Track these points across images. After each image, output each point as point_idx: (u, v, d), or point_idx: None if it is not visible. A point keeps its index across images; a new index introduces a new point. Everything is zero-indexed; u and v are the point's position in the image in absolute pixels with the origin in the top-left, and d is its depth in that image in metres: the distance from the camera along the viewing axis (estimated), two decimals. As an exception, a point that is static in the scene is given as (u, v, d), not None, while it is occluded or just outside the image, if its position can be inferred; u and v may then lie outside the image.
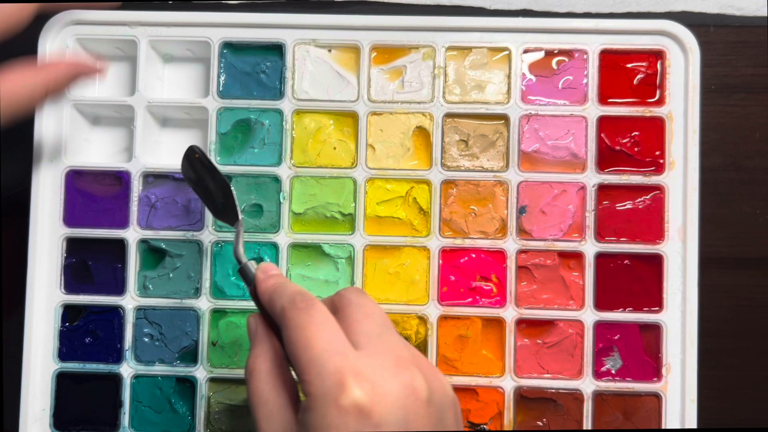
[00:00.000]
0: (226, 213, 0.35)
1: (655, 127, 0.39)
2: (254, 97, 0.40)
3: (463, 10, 0.41)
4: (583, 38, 0.40)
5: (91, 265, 0.40)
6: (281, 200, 0.40)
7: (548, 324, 0.39)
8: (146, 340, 0.39)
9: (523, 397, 0.39)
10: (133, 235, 0.40)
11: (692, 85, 0.39)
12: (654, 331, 0.39)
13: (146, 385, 0.39)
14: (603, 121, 0.39)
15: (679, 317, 0.38)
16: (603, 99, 0.40)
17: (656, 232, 0.39)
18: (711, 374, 0.39)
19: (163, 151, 0.42)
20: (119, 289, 0.39)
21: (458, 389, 0.38)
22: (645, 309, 0.39)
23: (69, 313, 0.40)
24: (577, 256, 0.39)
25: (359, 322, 0.28)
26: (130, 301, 0.39)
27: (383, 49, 0.40)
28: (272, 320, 0.30)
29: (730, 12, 0.41)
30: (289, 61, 0.40)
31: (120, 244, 0.40)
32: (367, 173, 0.40)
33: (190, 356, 0.39)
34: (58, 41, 0.40)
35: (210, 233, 0.39)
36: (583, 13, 0.41)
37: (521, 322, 0.39)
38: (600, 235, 0.39)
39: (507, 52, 0.40)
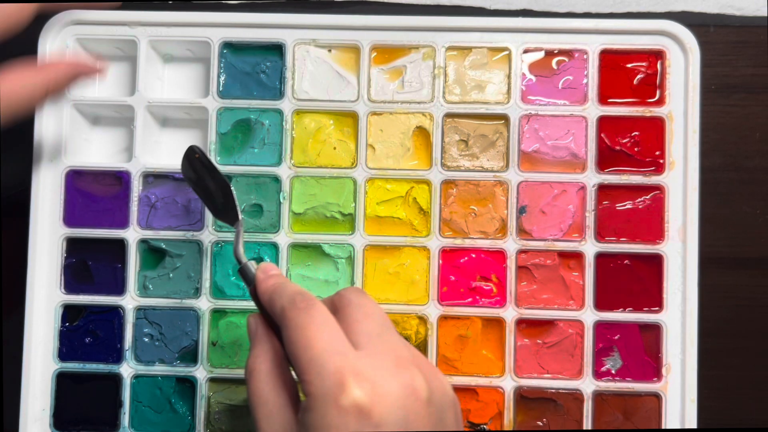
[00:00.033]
0: (226, 213, 0.35)
1: (655, 127, 0.39)
2: (254, 97, 0.40)
3: (463, 10, 0.41)
4: (583, 38, 0.40)
5: (91, 265, 0.40)
6: (281, 200, 0.40)
7: (548, 324, 0.39)
8: (146, 340, 0.39)
9: (523, 397, 0.39)
10: (133, 235, 0.40)
11: (692, 85, 0.39)
12: (654, 331, 0.39)
13: (146, 385, 0.39)
14: (603, 121, 0.39)
15: (679, 317, 0.38)
16: (603, 99, 0.40)
17: (656, 232, 0.39)
18: (711, 374, 0.39)
19: (163, 151, 0.42)
20: (119, 289, 0.39)
21: (458, 389, 0.38)
22: (645, 309, 0.39)
23: (69, 313, 0.40)
24: (577, 256, 0.39)
25: (359, 322, 0.28)
26: (130, 301, 0.39)
27: (383, 49, 0.40)
28: (272, 320, 0.30)
29: (730, 12, 0.41)
30: (289, 61, 0.40)
31: (120, 244, 0.40)
32: (367, 173, 0.40)
33: (190, 356, 0.39)
34: (58, 41, 0.40)
35: (210, 233, 0.39)
36: (583, 13, 0.41)
37: (521, 322, 0.39)
38: (600, 235, 0.39)
39: (507, 52, 0.40)
